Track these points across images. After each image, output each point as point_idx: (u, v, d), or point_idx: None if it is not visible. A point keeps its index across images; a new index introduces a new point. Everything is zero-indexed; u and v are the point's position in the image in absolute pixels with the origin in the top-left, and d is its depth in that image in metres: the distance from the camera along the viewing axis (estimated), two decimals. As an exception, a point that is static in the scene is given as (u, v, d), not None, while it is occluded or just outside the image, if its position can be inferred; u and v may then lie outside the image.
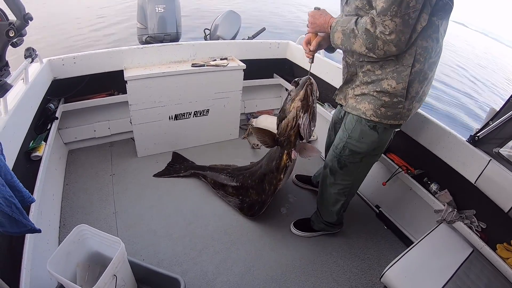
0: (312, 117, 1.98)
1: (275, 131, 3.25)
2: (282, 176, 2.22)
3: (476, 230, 1.98)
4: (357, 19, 1.55)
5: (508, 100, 1.83)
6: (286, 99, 2.03)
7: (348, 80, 1.90)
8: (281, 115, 2.06)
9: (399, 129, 1.91)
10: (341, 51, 1.96)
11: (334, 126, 2.30)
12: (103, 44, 8.75)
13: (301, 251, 2.31)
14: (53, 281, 1.74)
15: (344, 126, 1.93)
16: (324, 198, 2.23)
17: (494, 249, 1.85)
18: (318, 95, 2.02)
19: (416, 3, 1.38)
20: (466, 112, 9.09)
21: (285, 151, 2.14)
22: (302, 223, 2.46)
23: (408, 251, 1.79)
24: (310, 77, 1.93)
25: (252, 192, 2.51)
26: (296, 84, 1.98)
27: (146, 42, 3.27)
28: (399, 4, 1.36)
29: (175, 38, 3.40)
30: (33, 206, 1.68)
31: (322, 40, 1.82)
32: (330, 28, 1.68)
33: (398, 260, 1.73)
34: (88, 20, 11.27)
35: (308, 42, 1.87)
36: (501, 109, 1.88)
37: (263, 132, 2.19)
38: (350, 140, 1.89)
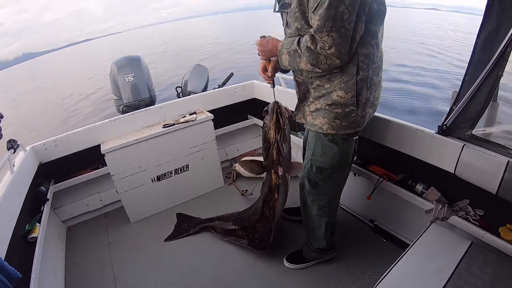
0: (284, 139, 2.09)
1: None
2: (276, 195, 2.24)
3: (473, 219, 1.89)
4: (299, 39, 1.63)
5: (464, 78, 1.78)
6: (263, 130, 2.16)
7: (302, 98, 1.96)
8: (266, 146, 2.18)
9: (357, 137, 1.92)
10: None
11: (304, 148, 2.32)
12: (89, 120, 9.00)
13: (298, 286, 2.27)
14: None
15: (308, 145, 1.99)
16: (308, 222, 2.23)
17: (498, 234, 1.75)
18: (288, 115, 2.14)
19: (350, 15, 1.44)
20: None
21: (272, 171, 2.20)
22: (294, 256, 2.42)
23: (399, 260, 1.71)
24: (277, 101, 2.08)
25: (259, 226, 2.51)
26: (267, 113, 2.11)
27: (123, 112, 3.41)
28: (333, 19, 1.43)
29: (150, 102, 3.54)
30: (31, 284, 1.75)
31: (276, 63, 1.92)
32: (278, 50, 1.77)
33: (388, 272, 1.65)
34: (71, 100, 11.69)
35: (265, 69, 1.99)
36: (460, 90, 1.83)
37: (249, 162, 2.31)
38: (314, 157, 1.93)
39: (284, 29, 1.86)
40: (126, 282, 2.45)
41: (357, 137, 1.91)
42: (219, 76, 4.15)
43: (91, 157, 2.96)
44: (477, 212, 1.91)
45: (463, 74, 1.78)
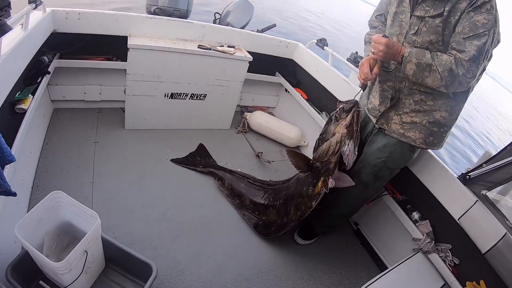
0: (357, 142, 1.90)
1: (270, 130, 3.19)
2: (313, 203, 2.11)
3: (449, 264, 2.01)
4: (432, 54, 1.62)
5: (506, 147, 1.87)
6: (329, 120, 2.00)
7: (392, 105, 1.90)
8: (323, 136, 2.00)
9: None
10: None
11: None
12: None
13: (277, 256, 2.29)
14: (17, 244, 1.65)
15: (381, 147, 1.99)
16: (343, 208, 2.31)
17: (463, 286, 1.89)
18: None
19: (490, 53, 1.58)
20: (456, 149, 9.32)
21: (322, 178, 2.04)
22: (306, 232, 2.47)
23: (382, 276, 1.81)
24: (358, 102, 1.89)
25: (272, 212, 2.40)
26: (342, 107, 1.92)
27: (154, 13, 3.15)
28: (485, 54, 1.53)
29: (184, 15, 3.28)
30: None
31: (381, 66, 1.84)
32: (402, 58, 1.67)
33: (372, 283, 1.74)
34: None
35: (370, 68, 1.82)
36: (497, 154, 1.92)
37: (297, 156, 2.14)
38: (389, 159, 1.97)
39: (405, 34, 1.76)
40: (105, 189, 2.30)
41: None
42: (260, 22, 3.91)
43: (109, 46, 2.72)
44: (454, 260, 2.04)
45: (506, 144, 1.92)
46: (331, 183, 1.99)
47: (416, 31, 1.71)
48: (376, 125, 2.03)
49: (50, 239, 1.60)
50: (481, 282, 1.88)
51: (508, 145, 1.87)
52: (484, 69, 1.67)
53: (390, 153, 1.95)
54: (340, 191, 2.20)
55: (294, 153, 2.15)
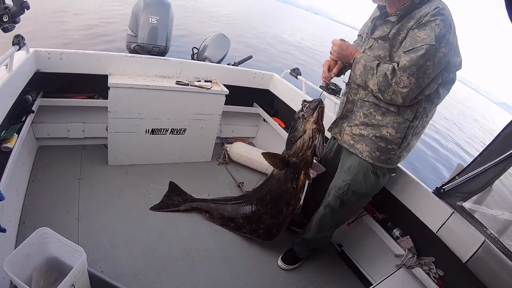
0: (323, 136, 2.15)
1: (250, 159, 3.38)
2: (300, 195, 2.33)
3: (433, 277, 2.05)
4: (379, 63, 1.77)
5: (476, 158, 1.96)
6: (297, 119, 2.20)
7: (344, 115, 2.07)
8: (294, 134, 2.20)
9: (394, 174, 2.08)
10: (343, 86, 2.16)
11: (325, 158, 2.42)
12: (92, 45, 8.63)
13: (262, 283, 2.31)
14: (6, 280, 1.67)
15: (347, 169, 2.07)
16: (316, 232, 2.36)
17: None
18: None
19: (432, 73, 1.61)
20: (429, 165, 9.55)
21: (303, 171, 2.24)
22: (289, 257, 2.51)
23: None
24: (322, 99, 2.12)
25: (267, 217, 2.50)
26: (307, 106, 2.14)
27: (134, 50, 3.28)
28: (419, 67, 1.59)
29: (163, 52, 3.42)
30: None
31: (340, 68, 2.04)
32: (353, 60, 1.88)
33: None
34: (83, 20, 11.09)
35: (329, 68, 2.06)
36: (468, 165, 2.00)
37: (273, 156, 2.31)
38: (353, 182, 2.03)
39: (364, 48, 1.96)
40: (90, 225, 2.32)
41: (394, 174, 2.08)
42: (237, 54, 4.07)
43: (91, 84, 2.79)
44: (438, 272, 2.07)
45: (475, 155, 1.99)
46: (312, 173, 2.22)
47: (370, 46, 1.90)
48: (331, 133, 2.19)
49: (38, 275, 1.62)
50: None
51: (478, 155, 1.95)
52: (438, 97, 1.79)
53: (354, 175, 2.02)
54: (312, 219, 2.37)
55: (270, 154, 2.33)
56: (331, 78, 2.10)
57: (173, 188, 2.92)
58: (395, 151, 1.90)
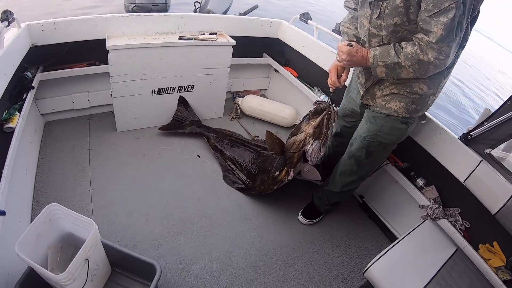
0: (323, 144, 2.04)
1: (264, 112, 3.36)
2: (274, 187, 2.32)
3: (459, 228, 1.99)
4: (397, 49, 1.58)
5: (506, 102, 1.82)
6: (305, 116, 2.15)
7: (377, 81, 1.86)
8: (294, 131, 2.21)
9: (425, 121, 2.04)
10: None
11: (344, 119, 2.32)
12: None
13: (282, 239, 2.29)
14: (22, 262, 1.66)
15: (375, 119, 1.93)
16: (340, 185, 2.27)
17: (477, 249, 1.88)
18: (336, 119, 2.06)
19: (465, 23, 1.44)
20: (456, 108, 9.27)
21: (286, 168, 2.25)
22: (309, 211, 2.47)
23: (392, 247, 1.77)
24: (332, 105, 2.00)
25: (244, 171, 2.65)
26: (318, 106, 2.05)
27: (133, 12, 3.11)
28: (456, 29, 1.41)
29: (163, 9, 3.23)
30: (3, 181, 1.58)
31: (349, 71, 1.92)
32: (369, 63, 1.70)
33: (382, 255, 1.72)
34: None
35: (338, 75, 1.90)
36: (497, 110, 1.87)
37: (273, 140, 2.28)
38: (380, 133, 1.92)
39: (370, 18, 1.68)
40: (103, 195, 2.31)
41: (424, 121, 2.05)
42: (242, 6, 3.86)
43: (90, 51, 2.68)
44: (464, 223, 2.02)
45: (504, 99, 1.86)
46: (291, 175, 2.21)
47: (379, 14, 1.62)
48: (361, 101, 2.01)
49: (53, 253, 1.61)
50: (494, 243, 1.87)
51: (508, 99, 1.81)
52: (466, 39, 1.59)
53: (381, 126, 1.90)
54: (335, 170, 2.28)
55: (271, 136, 2.29)
56: (341, 86, 1.93)
57: (182, 103, 3.05)
58: (430, 100, 1.78)
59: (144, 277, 1.76)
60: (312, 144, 2.04)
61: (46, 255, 1.59)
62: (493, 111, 1.90)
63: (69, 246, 1.68)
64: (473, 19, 1.54)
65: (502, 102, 1.84)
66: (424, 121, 2.02)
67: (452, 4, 1.35)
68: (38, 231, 1.51)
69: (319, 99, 2.17)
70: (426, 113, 2.03)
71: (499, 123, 1.84)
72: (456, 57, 1.63)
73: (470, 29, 1.56)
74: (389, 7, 1.54)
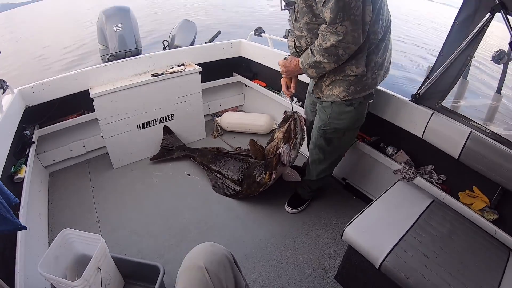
0: (293, 147, 2.35)
1: (242, 124, 3.62)
2: (260, 189, 2.56)
3: (436, 183, 2.11)
4: (311, 48, 1.79)
5: (439, 54, 1.94)
6: (278, 126, 2.45)
7: (321, 76, 2.03)
8: (269, 139, 2.51)
9: (372, 100, 2.02)
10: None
11: (312, 114, 2.45)
12: (72, 67, 8.89)
13: (273, 229, 2.46)
14: (47, 282, 1.83)
15: (324, 109, 2.07)
16: (313, 171, 2.43)
17: (457, 198, 1.97)
18: (302, 125, 2.36)
19: (356, 2, 1.52)
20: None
21: (267, 172, 2.48)
22: (293, 201, 2.64)
23: (366, 208, 1.88)
24: (296, 112, 2.34)
25: (230, 178, 2.87)
26: (285, 115, 2.39)
27: (109, 61, 3.38)
28: (343, 9, 1.53)
29: (136, 53, 3.52)
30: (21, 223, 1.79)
31: (296, 80, 2.20)
32: (301, 69, 1.95)
33: (356, 217, 1.82)
34: (55, 47, 11.34)
35: (287, 86, 2.23)
36: (434, 64, 1.98)
37: (256, 147, 2.52)
38: (331, 120, 2.06)
39: (293, 24, 1.95)
40: (110, 222, 2.54)
41: (372, 100, 2.02)
42: (206, 34, 4.17)
43: (78, 103, 2.98)
44: (440, 177, 2.14)
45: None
46: (272, 177, 2.45)
47: (295, 18, 1.87)
48: (313, 95, 2.18)
49: (70, 273, 1.81)
50: (474, 188, 1.98)
51: (440, 51, 1.93)
52: (380, 13, 1.69)
53: (330, 113, 2.03)
54: (308, 160, 2.47)
55: (254, 143, 2.51)
56: (294, 93, 2.24)
57: (167, 132, 3.29)
58: (366, 76, 1.85)
59: (154, 283, 1.87)
60: (283, 147, 2.33)
61: (64, 276, 1.78)
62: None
63: (83, 266, 1.85)
64: None
65: (437, 55, 1.96)
66: (372, 100, 2.03)
67: None
68: (55, 253, 1.72)
69: (286, 109, 2.43)
70: (378, 88, 2.18)
71: (438, 75, 1.96)
72: (376, 33, 1.72)
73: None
74: (298, 9, 1.79)
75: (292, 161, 2.43)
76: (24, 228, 1.53)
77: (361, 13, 1.57)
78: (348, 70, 1.83)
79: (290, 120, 2.33)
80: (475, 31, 1.75)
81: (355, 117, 2.02)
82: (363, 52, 1.77)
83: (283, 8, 1.92)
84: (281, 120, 2.42)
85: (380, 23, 1.73)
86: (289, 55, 2.12)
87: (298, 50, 2.05)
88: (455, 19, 1.82)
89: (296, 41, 2.02)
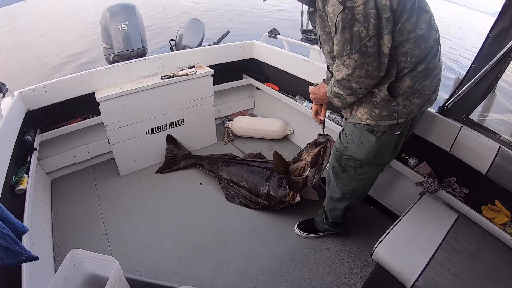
0: (318, 172, 2.40)
1: (254, 129, 3.51)
2: (281, 206, 2.54)
3: (459, 196, 2.03)
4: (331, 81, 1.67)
5: (470, 67, 1.86)
6: (307, 145, 2.48)
7: None
8: (296, 157, 2.52)
9: (399, 132, 1.70)
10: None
11: None
12: (72, 68, 8.71)
13: (292, 244, 2.36)
14: None
15: (345, 131, 1.86)
16: (329, 200, 2.20)
17: (480, 212, 1.91)
18: (331, 150, 2.30)
19: (368, 31, 1.32)
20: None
21: (292, 192, 2.47)
22: (306, 225, 2.46)
23: (394, 226, 1.80)
24: (329, 140, 2.36)
25: (243, 186, 2.76)
26: (318, 139, 2.41)
27: (114, 61, 3.26)
28: (350, 41, 1.36)
29: (142, 53, 3.41)
30: (25, 238, 1.68)
31: (327, 107, 2.11)
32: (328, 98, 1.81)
33: (386, 235, 1.74)
34: (55, 46, 11.17)
35: (317, 113, 2.15)
36: (464, 76, 1.91)
37: (280, 160, 2.54)
38: (350, 145, 1.82)
39: (321, 50, 1.83)
40: (119, 235, 2.41)
41: (399, 132, 1.70)
42: (214, 34, 4.04)
43: (82, 106, 2.85)
44: (462, 190, 2.06)
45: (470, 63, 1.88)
46: (298, 198, 2.45)
47: (320, 47, 1.76)
48: (344, 115, 1.90)
49: None
50: (496, 202, 1.91)
51: (471, 64, 1.85)
52: (398, 33, 1.39)
53: (350, 136, 1.80)
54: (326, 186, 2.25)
55: (279, 156, 2.52)
56: (324, 120, 2.17)
57: (170, 141, 3.17)
58: (395, 101, 1.56)
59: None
60: (308, 171, 2.38)
61: (75, 299, 1.67)
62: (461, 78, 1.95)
63: (95, 287, 1.79)
64: (403, 11, 1.36)
65: (468, 68, 1.88)
66: (399, 132, 1.71)
67: (338, 18, 1.33)
68: (65, 275, 1.61)
69: (321, 133, 2.39)
70: None
71: (469, 88, 1.88)
72: (407, 54, 1.44)
73: (410, 18, 1.38)
74: (320, 39, 1.68)
75: (314, 184, 2.47)
76: (36, 258, 1.41)
77: (376, 43, 1.37)
78: (376, 89, 1.57)
79: (321, 146, 2.36)
80: (509, 46, 1.68)
81: (377, 150, 1.75)
82: (390, 77, 1.50)
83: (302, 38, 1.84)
84: (312, 141, 2.44)
85: (418, 41, 1.44)
86: (318, 83, 2.01)
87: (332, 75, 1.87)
88: (489, 33, 1.76)
89: (329, 65, 1.86)
